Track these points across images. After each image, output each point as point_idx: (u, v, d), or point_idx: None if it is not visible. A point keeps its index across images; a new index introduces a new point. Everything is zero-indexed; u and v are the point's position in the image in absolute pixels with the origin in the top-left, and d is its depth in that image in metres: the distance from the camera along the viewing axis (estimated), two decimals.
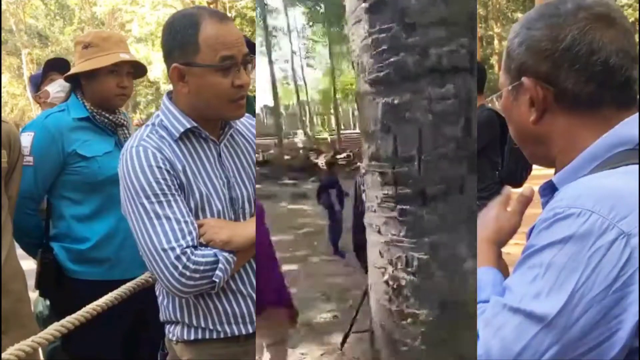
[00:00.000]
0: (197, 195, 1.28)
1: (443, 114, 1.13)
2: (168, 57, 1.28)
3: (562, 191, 0.75)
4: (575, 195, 0.70)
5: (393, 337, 1.25)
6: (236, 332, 1.33)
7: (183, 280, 1.19)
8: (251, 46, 2.00)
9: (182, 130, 1.29)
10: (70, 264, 1.89)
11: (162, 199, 1.22)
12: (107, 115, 1.93)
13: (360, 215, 2.06)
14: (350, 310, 3.32)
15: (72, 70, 1.95)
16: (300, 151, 17.86)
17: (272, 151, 17.21)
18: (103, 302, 1.51)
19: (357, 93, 1.31)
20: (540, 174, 1.37)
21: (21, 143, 1.82)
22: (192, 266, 1.19)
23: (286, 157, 16.70)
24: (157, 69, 17.89)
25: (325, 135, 23.99)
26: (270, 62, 20.41)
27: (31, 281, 1.84)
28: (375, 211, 1.27)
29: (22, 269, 1.76)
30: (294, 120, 26.94)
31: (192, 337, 1.32)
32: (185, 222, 1.22)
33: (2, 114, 1.79)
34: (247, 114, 1.41)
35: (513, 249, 1.15)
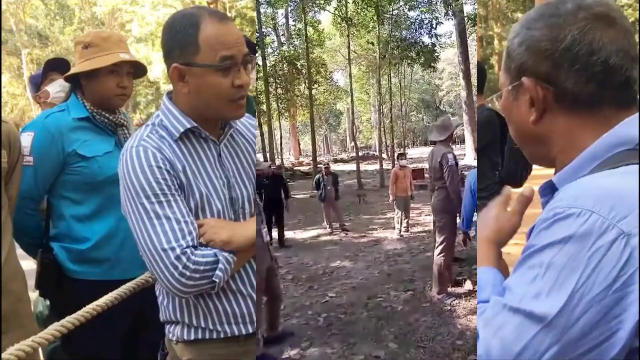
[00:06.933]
0: (197, 195, 1.28)
1: None
2: (168, 57, 1.28)
3: (562, 191, 0.75)
4: (575, 195, 0.70)
5: None
6: (236, 332, 1.33)
7: (183, 280, 1.19)
8: (251, 46, 2.00)
9: (182, 130, 1.29)
10: (70, 264, 1.89)
11: (162, 199, 1.21)
12: (107, 115, 1.93)
13: None
14: None
15: (72, 70, 1.95)
16: None
17: None
18: (103, 302, 1.50)
19: None
20: (540, 174, 1.37)
21: (21, 143, 1.82)
22: (192, 266, 1.19)
23: None
24: (157, 69, 17.95)
25: None
26: None
27: (31, 281, 1.84)
28: None
29: (22, 269, 1.75)
30: None
31: (192, 337, 1.32)
32: (185, 222, 1.22)
33: (2, 114, 1.79)
34: (247, 114, 1.41)
35: (513, 249, 1.15)
